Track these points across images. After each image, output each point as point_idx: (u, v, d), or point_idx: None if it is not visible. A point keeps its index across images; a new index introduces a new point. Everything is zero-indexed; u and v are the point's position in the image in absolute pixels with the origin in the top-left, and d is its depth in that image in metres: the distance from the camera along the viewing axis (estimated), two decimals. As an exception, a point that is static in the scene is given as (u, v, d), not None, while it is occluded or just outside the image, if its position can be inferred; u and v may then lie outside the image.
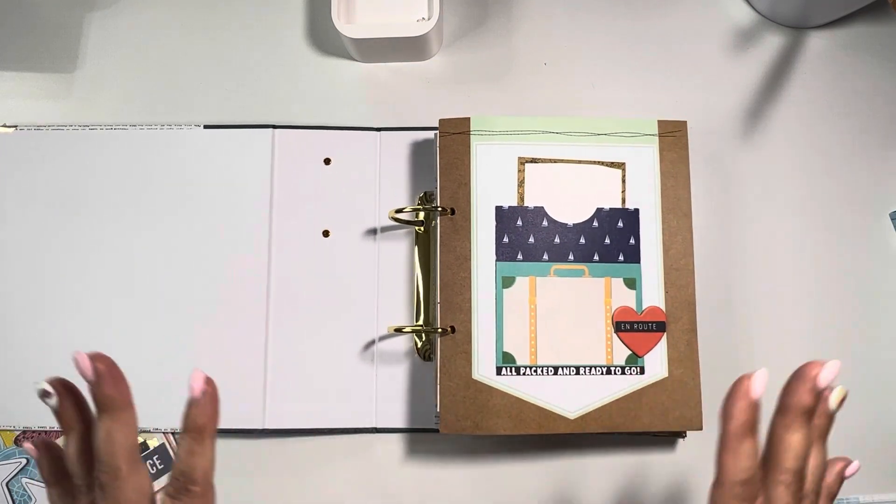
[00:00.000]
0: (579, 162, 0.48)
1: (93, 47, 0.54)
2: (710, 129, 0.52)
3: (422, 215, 0.50)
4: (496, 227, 0.47)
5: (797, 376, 0.31)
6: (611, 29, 0.54)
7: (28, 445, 0.33)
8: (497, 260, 0.47)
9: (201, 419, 0.31)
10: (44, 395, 0.31)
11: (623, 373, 0.46)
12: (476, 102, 0.53)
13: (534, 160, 0.48)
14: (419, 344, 0.49)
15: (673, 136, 0.48)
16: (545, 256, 0.47)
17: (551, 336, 0.46)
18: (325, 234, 0.50)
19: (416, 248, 0.50)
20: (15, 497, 0.47)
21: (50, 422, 0.48)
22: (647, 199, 0.48)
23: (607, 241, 0.47)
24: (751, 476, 0.30)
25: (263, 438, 0.49)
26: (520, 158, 0.48)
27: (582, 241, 0.47)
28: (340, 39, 0.52)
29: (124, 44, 0.54)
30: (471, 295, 0.46)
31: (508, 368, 0.46)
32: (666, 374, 0.46)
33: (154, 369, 0.48)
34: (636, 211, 0.48)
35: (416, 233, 0.50)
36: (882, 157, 0.52)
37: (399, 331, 0.48)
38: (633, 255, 0.47)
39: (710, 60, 0.53)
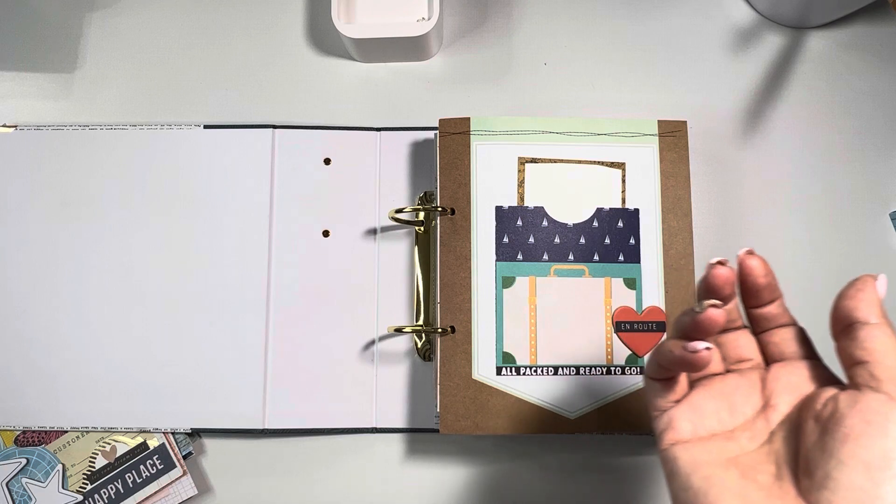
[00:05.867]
0: (579, 162, 0.48)
1: (93, 47, 0.54)
2: (710, 129, 0.52)
3: (422, 215, 0.50)
4: (496, 227, 0.47)
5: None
6: (611, 29, 0.54)
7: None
8: (497, 260, 0.47)
9: None
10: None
11: (623, 373, 0.46)
12: (476, 102, 0.53)
13: (534, 160, 0.48)
14: (419, 344, 0.49)
15: (673, 136, 0.48)
16: (545, 256, 0.47)
17: (551, 336, 0.46)
18: (325, 234, 0.50)
19: (416, 248, 0.50)
20: (15, 497, 0.47)
21: (50, 422, 0.48)
22: (647, 199, 0.48)
23: (607, 241, 0.47)
24: None
25: (263, 438, 0.49)
26: (520, 158, 0.48)
27: (582, 241, 0.47)
28: (340, 39, 0.52)
29: (124, 44, 0.54)
30: (471, 295, 0.46)
31: (508, 368, 0.46)
32: (666, 374, 0.46)
33: (154, 369, 0.48)
34: (636, 211, 0.48)
35: (416, 233, 0.50)
36: (882, 157, 0.52)
37: (399, 331, 0.48)
38: (633, 255, 0.47)
39: (710, 60, 0.53)
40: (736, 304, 0.33)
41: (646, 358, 0.46)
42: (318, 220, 0.50)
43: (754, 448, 0.29)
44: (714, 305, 0.29)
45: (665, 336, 0.46)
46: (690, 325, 0.29)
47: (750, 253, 0.31)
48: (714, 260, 0.30)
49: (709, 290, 0.31)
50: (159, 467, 0.48)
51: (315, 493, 0.48)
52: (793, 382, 0.30)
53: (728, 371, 0.32)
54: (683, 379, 0.32)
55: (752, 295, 0.32)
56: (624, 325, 0.46)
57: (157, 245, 0.50)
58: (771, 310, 0.32)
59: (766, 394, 0.30)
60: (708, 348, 0.29)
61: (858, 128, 0.52)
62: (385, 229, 0.50)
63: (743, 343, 0.32)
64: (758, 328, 0.33)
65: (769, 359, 0.32)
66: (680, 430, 0.30)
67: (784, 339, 0.32)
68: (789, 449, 0.28)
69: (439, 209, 0.47)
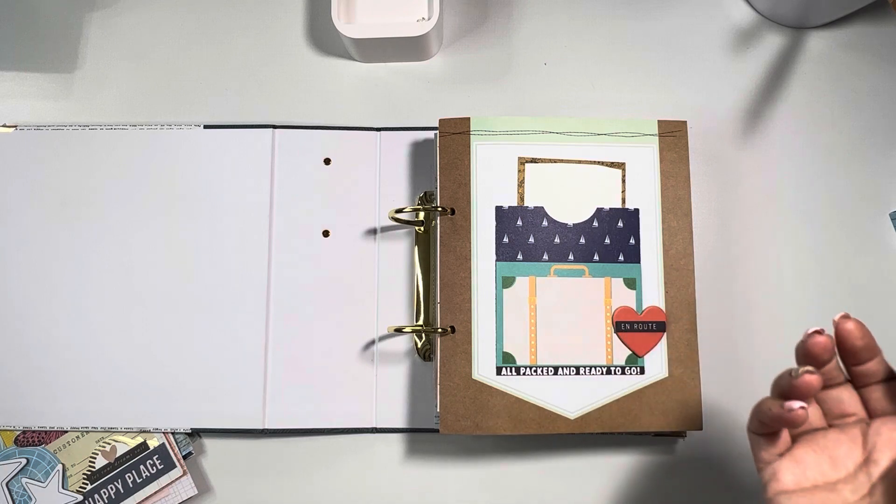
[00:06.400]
0: (579, 162, 0.48)
1: (93, 47, 0.54)
2: (710, 129, 0.52)
3: (422, 215, 0.50)
4: (496, 227, 0.47)
5: None
6: (611, 29, 0.54)
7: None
8: (497, 260, 0.47)
9: None
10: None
11: (623, 373, 0.46)
12: (476, 102, 0.53)
13: (534, 160, 0.48)
14: (419, 344, 0.49)
15: (673, 136, 0.48)
16: (545, 256, 0.47)
17: (551, 336, 0.46)
18: (325, 234, 0.50)
19: (416, 248, 0.50)
20: (15, 497, 0.47)
21: (50, 422, 0.48)
22: (647, 199, 0.48)
23: (607, 241, 0.47)
24: None
25: (263, 438, 0.49)
26: (520, 158, 0.48)
27: (582, 241, 0.47)
28: (340, 39, 0.52)
29: (124, 44, 0.54)
30: (471, 295, 0.46)
31: (508, 368, 0.46)
32: (666, 374, 0.46)
33: (154, 369, 0.48)
34: (636, 211, 0.48)
35: (416, 233, 0.50)
36: (882, 157, 0.52)
37: (399, 331, 0.48)
38: (633, 255, 0.47)
39: (710, 61, 0.53)
40: (836, 363, 0.34)
41: (646, 358, 0.46)
42: (318, 220, 0.50)
43: (856, 500, 0.31)
44: (809, 372, 0.30)
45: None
46: (787, 389, 0.31)
47: (845, 317, 0.33)
48: (811, 330, 0.32)
49: (807, 357, 0.32)
50: (159, 467, 0.48)
51: (315, 493, 0.48)
52: (894, 438, 0.32)
53: (830, 426, 0.34)
54: (785, 434, 0.34)
55: (851, 355, 0.33)
56: (624, 325, 0.46)
57: (157, 245, 0.50)
58: (871, 367, 0.33)
59: (868, 448, 0.32)
60: (803, 407, 0.31)
61: (859, 128, 0.52)
62: (385, 229, 0.50)
63: (845, 398, 0.34)
64: (858, 383, 0.34)
65: (871, 413, 0.34)
66: (784, 482, 0.32)
67: (885, 395, 0.33)
68: (890, 502, 0.30)
69: (439, 209, 0.47)
